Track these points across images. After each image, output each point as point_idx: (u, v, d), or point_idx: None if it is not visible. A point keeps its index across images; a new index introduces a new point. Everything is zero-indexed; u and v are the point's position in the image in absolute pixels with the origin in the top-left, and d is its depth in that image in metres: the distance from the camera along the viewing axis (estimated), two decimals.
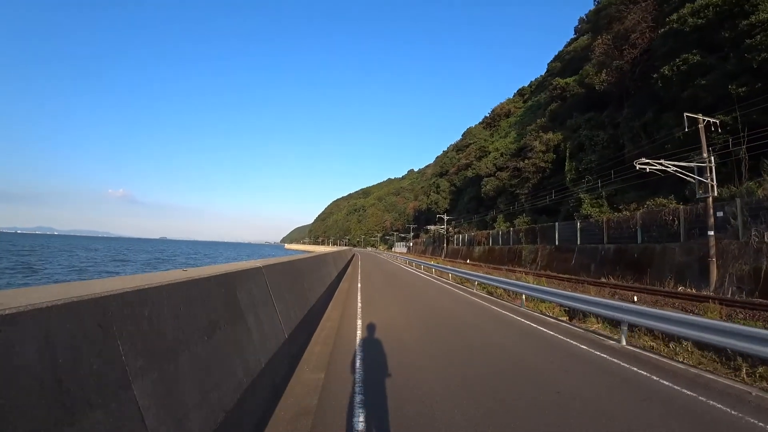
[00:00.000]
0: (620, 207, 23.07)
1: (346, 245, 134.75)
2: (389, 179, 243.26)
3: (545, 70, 64.52)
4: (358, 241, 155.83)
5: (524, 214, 34.34)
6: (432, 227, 56.29)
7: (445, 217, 54.51)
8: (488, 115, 75.10)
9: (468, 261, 39.55)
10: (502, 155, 42.91)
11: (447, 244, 53.67)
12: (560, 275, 21.74)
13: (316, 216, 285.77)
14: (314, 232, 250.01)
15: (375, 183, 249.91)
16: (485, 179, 44.35)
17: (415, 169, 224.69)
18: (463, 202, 56.89)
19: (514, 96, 74.66)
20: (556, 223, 26.49)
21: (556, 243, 26.17)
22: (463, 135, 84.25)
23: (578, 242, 23.86)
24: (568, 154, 28.26)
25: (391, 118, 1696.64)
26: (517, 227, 33.30)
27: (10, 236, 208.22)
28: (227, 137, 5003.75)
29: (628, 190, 23.37)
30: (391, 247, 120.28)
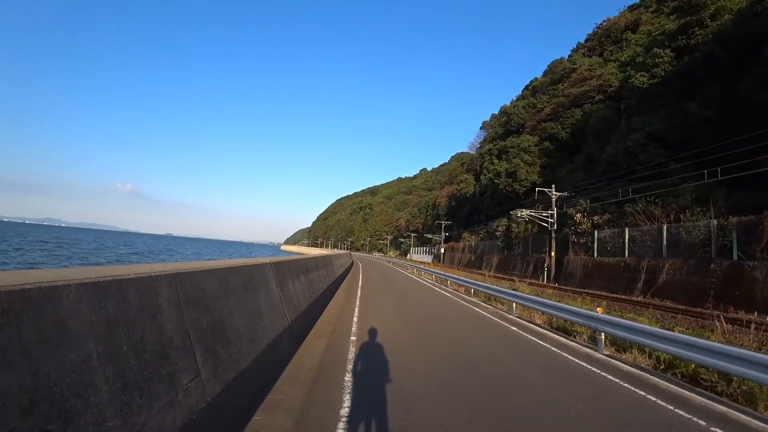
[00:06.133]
0: None
1: (347, 249, 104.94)
2: (399, 178, 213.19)
3: None
4: (362, 245, 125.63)
5: None
6: (524, 212, 26.16)
7: (554, 193, 24.68)
8: (587, 39, 45.46)
9: None
10: None
11: (568, 254, 23.71)
12: None
13: (317, 215, 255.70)
14: (314, 233, 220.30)
15: (384, 182, 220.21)
16: None
17: (429, 168, 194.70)
18: (604, 162, 25.78)
19: (626, 9, 45.00)
20: None
21: None
22: (536, 82, 54.50)
23: None
24: None
25: (401, 115, 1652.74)
26: None
27: (22, 227, 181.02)
28: (237, 137, 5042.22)
29: None
30: (405, 253, 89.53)
